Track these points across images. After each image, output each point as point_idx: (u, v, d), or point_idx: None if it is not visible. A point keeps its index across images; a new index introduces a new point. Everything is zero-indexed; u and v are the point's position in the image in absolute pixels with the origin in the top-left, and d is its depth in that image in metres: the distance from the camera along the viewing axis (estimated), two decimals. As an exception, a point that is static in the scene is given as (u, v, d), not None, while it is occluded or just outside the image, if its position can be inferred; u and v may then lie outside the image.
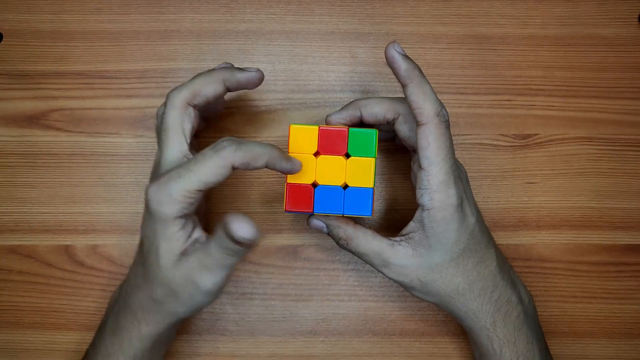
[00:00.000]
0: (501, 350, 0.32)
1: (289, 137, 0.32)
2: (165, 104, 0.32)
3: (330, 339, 0.40)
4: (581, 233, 0.40)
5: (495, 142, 0.41)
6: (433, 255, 0.32)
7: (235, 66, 0.33)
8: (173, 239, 0.29)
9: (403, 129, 0.33)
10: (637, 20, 0.41)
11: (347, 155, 0.32)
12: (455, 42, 0.41)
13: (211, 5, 0.41)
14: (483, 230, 0.33)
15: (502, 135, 0.41)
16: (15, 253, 0.40)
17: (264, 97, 0.41)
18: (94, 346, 0.34)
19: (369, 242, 0.33)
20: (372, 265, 0.34)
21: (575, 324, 0.40)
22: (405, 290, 0.34)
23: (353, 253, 0.34)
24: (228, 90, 0.33)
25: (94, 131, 0.40)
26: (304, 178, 0.32)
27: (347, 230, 0.34)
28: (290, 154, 0.32)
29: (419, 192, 0.31)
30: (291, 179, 0.32)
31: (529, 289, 0.35)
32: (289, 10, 0.41)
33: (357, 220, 0.36)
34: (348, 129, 0.32)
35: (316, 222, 0.35)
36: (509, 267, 0.35)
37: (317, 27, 0.41)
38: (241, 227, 0.27)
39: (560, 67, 0.41)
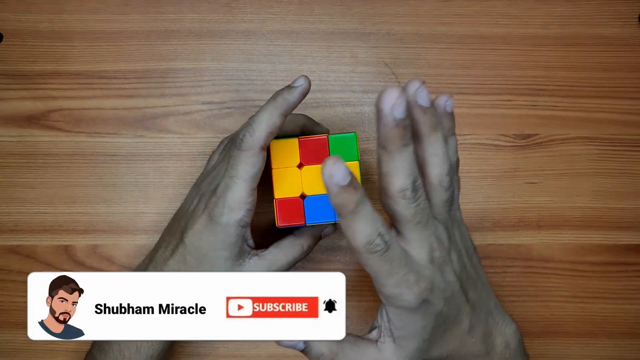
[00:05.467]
0: None
1: (270, 153, 0.32)
2: (239, 147, 0.31)
3: (330, 340, 0.39)
4: (582, 233, 0.40)
5: (496, 142, 0.40)
6: (409, 343, 0.29)
7: (283, 87, 0.32)
8: (234, 246, 0.32)
9: None
10: (637, 20, 0.41)
11: None
12: (457, 42, 0.41)
13: (211, 5, 0.41)
14: (455, 302, 0.29)
15: (502, 135, 0.41)
16: (15, 253, 0.40)
17: (264, 97, 0.41)
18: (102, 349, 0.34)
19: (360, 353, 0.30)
20: None
21: (576, 324, 0.40)
22: None
23: None
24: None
25: (93, 131, 0.40)
26: (292, 191, 0.32)
27: (331, 345, 0.29)
28: (273, 169, 0.32)
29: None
30: (279, 194, 0.32)
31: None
32: (289, 10, 0.41)
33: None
34: (327, 136, 0.32)
35: (288, 343, 0.29)
36: (487, 313, 0.31)
37: (317, 27, 0.41)
38: None
39: (561, 67, 0.41)
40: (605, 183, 0.40)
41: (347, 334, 0.29)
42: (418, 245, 0.27)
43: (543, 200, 0.40)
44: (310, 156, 0.32)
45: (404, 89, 0.24)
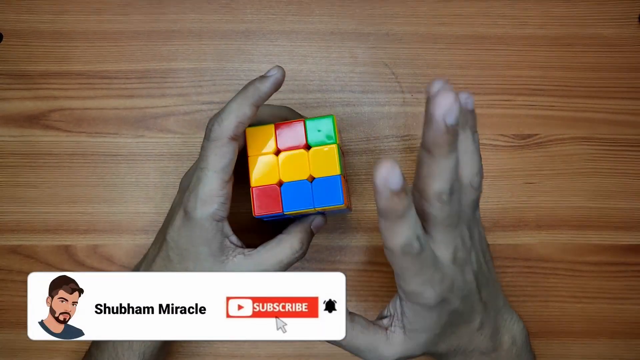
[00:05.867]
0: None
1: (246, 141, 0.31)
2: (207, 137, 0.30)
3: (330, 339, 0.40)
4: (581, 233, 0.40)
5: (494, 142, 0.41)
6: (419, 336, 0.30)
7: (257, 77, 0.31)
8: (213, 241, 0.31)
9: None
10: (636, 20, 0.41)
11: (309, 147, 0.31)
12: (455, 42, 0.41)
13: (212, 5, 0.41)
14: (470, 300, 0.29)
15: (501, 135, 0.41)
16: (16, 253, 0.40)
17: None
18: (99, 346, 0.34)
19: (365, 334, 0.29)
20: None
21: (575, 324, 0.40)
22: None
23: (344, 348, 0.30)
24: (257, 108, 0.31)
25: (95, 131, 0.40)
26: (269, 179, 0.31)
27: None
28: (250, 157, 0.31)
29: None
30: (255, 182, 0.31)
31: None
32: (289, 11, 0.41)
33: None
34: (304, 120, 0.31)
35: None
36: (497, 311, 0.32)
37: (317, 27, 0.41)
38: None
39: (559, 67, 0.41)
40: (603, 183, 0.40)
41: (359, 317, 0.30)
42: (444, 246, 0.27)
43: (542, 200, 0.40)
44: (287, 142, 0.31)
45: (456, 94, 0.23)
